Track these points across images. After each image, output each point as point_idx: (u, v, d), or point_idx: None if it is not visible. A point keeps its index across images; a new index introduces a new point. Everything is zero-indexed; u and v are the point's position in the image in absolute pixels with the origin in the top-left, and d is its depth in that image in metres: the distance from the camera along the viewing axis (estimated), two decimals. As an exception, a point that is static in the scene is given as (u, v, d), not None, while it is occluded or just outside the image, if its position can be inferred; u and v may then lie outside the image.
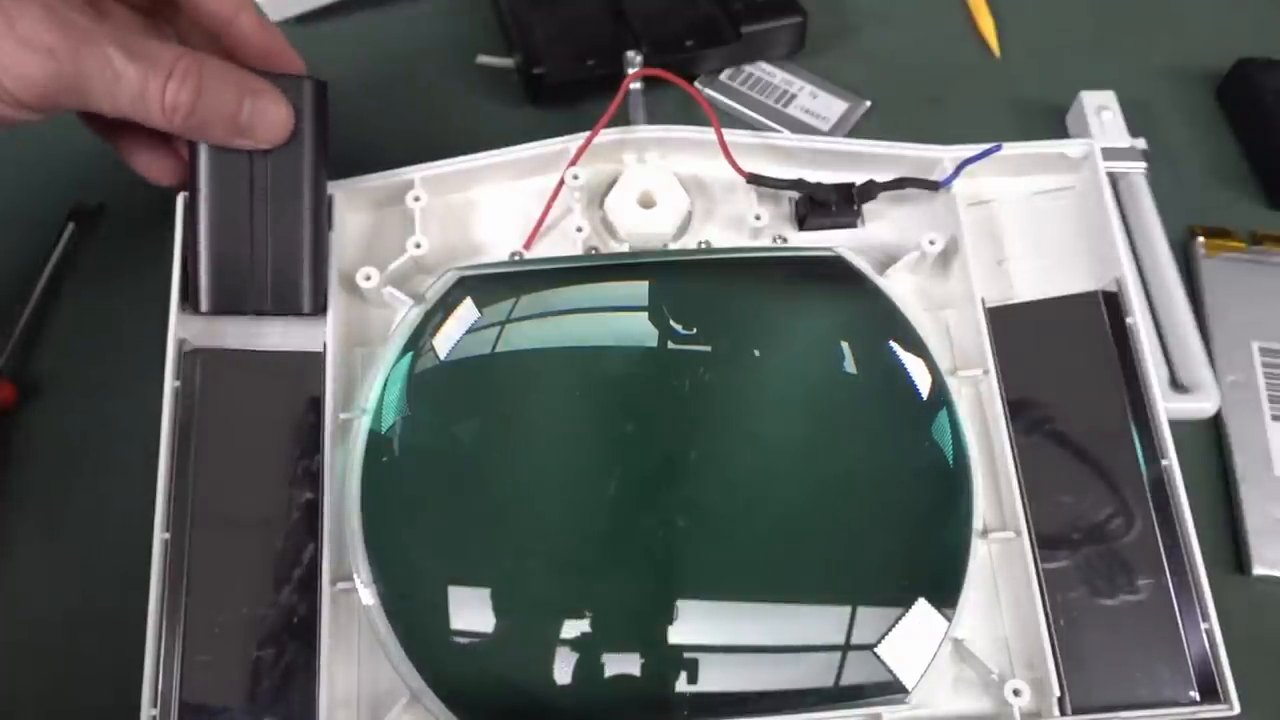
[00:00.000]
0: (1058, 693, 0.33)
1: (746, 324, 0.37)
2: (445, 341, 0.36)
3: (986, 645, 0.35)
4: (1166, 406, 0.37)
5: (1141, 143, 0.48)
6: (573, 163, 0.40)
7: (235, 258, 0.36)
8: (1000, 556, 0.36)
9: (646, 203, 0.40)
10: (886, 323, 0.37)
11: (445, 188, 0.41)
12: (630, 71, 0.46)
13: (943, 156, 0.40)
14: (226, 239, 0.36)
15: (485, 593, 0.33)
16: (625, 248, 0.40)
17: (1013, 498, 0.36)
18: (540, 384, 0.36)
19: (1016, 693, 0.33)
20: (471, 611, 0.33)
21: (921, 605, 0.34)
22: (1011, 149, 0.40)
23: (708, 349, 0.37)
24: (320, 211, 0.37)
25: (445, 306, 0.37)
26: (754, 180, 0.40)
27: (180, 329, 0.37)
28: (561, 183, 0.40)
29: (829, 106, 0.51)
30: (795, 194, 0.41)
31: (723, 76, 0.52)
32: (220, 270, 0.36)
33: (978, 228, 0.40)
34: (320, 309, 0.37)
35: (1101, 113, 0.48)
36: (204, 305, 0.36)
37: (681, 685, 0.33)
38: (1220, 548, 0.40)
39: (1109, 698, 0.34)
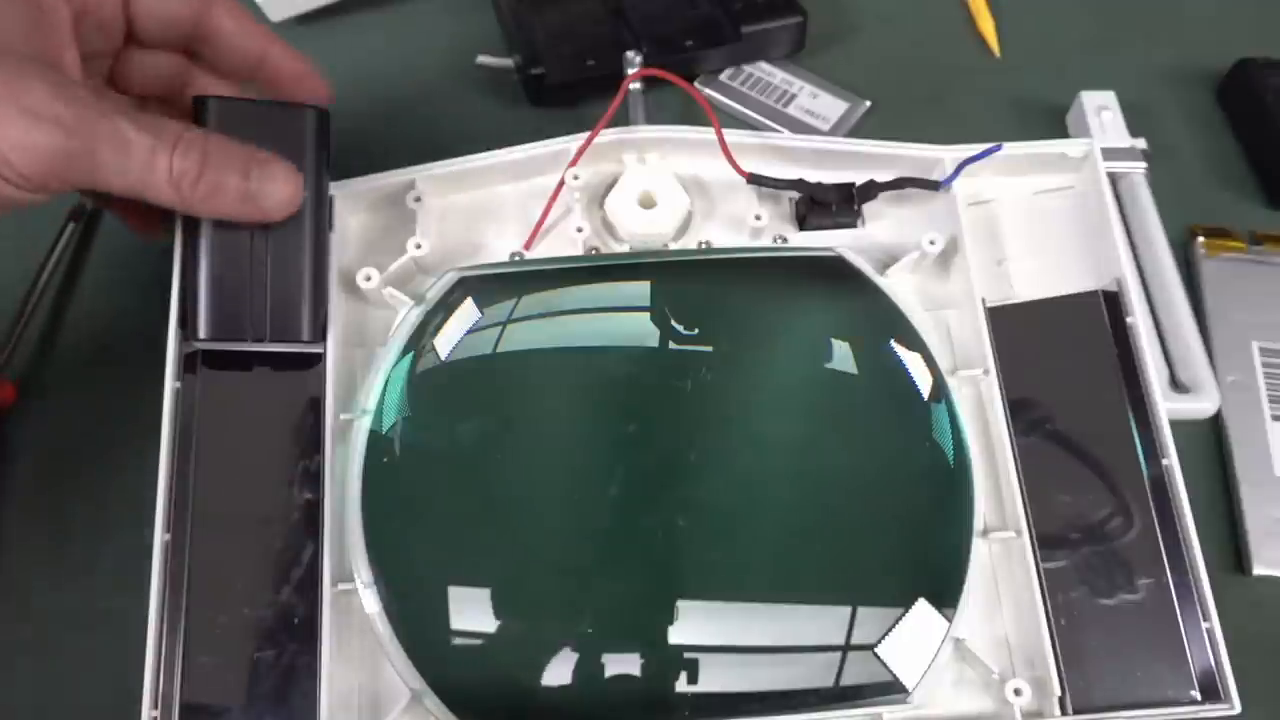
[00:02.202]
0: (1058, 692, 0.33)
1: (747, 324, 0.37)
2: (446, 342, 0.36)
3: (987, 645, 0.35)
4: (1166, 406, 0.37)
5: (1141, 143, 0.48)
6: (573, 163, 0.40)
7: (235, 287, 0.36)
8: (1001, 556, 0.36)
9: (647, 203, 0.40)
10: (887, 323, 0.37)
11: (445, 188, 0.41)
12: (630, 71, 0.46)
13: (943, 156, 0.40)
14: (226, 268, 0.36)
15: (486, 593, 0.33)
16: (626, 248, 0.40)
17: (1013, 497, 0.36)
18: (541, 385, 0.36)
19: (1017, 692, 0.33)
20: (472, 612, 0.33)
21: (922, 605, 0.34)
22: (1012, 149, 0.40)
23: (708, 349, 0.37)
24: (321, 241, 0.37)
25: (446, 307, 0.37)
26: (754, 180, 0.40)
27: (180, 328, 0.37)
28: (562, 183, 0.40)
29: (829, 106, 0.51)
30: (795, 194, 0.41)
31: (723, 76, 0.52)
32: (219, 300, 0.36)
33: (978, 228, 0.40)
34: (319, 336, 0.37)
35: (1101, 113, 0.48)
36: (202, 332, 0.36)
37: (682, 685, 0.33)
38: (1220, 548, 0.40)
39: (1110, 697, 0.34)
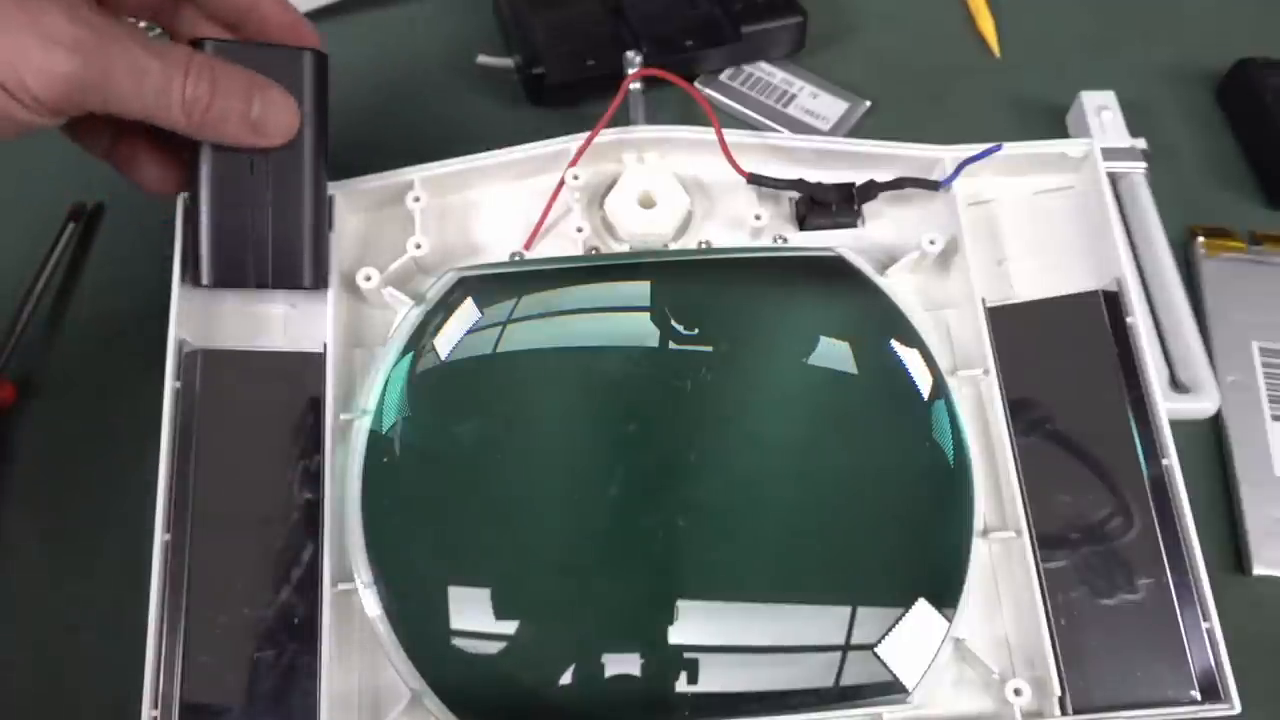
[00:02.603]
0: (1058, 692, 0.33)
1: (747, 324, 0.37)
2: (446, 342, 0.36)
3: (987, 645, 0.35)
4: (1166, 406, 0.37)
5: (1141, 143, 0.48)
6: (573, 163, 0.40)
7: (237, 231, 0.36)
8: (1001, 556, 0.36)
9: (646, 203, 0.40)
10: (887, 323, 0.37)
11: (445, 188, 0.41)
12: (630, 71, 0.46)
13: (943, 156, 0.40)
14: (228, 213, 0.36)
15: (486, 593, 0.33)
16: (625, 248, 0.40)
17: (1013, 497, 0.36)
18: (541, 384, 0.36)
19: (1017, 692, 0.33)
20: (473, 612, 0.33)
21: (922, 605, 0.34)
22: (1012, 149, 0.40)
23: (708, 349, 0.37)
24: (320, 185, 0.37)
25: (445, 307, 0.37)
26: (754, 180, 0.40)
27: (181, 329, 0.37)
28: (562, 183, 0.40)
29: (829, 106, 0.51)
30: (795, 194, 0.41)
31: (723, 76, 0.52)
32: (221, 244, 0.36)
33: (978, 227, 0.40)
34: (321, 283, 0.37)
35: (1101, 113, 0.48)
36: (205, 278, 0.36)
37: (682, 686, 0.33)
38: (1220, 548, 0.40)
39: (1110, 697, 0.34)
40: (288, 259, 0.37)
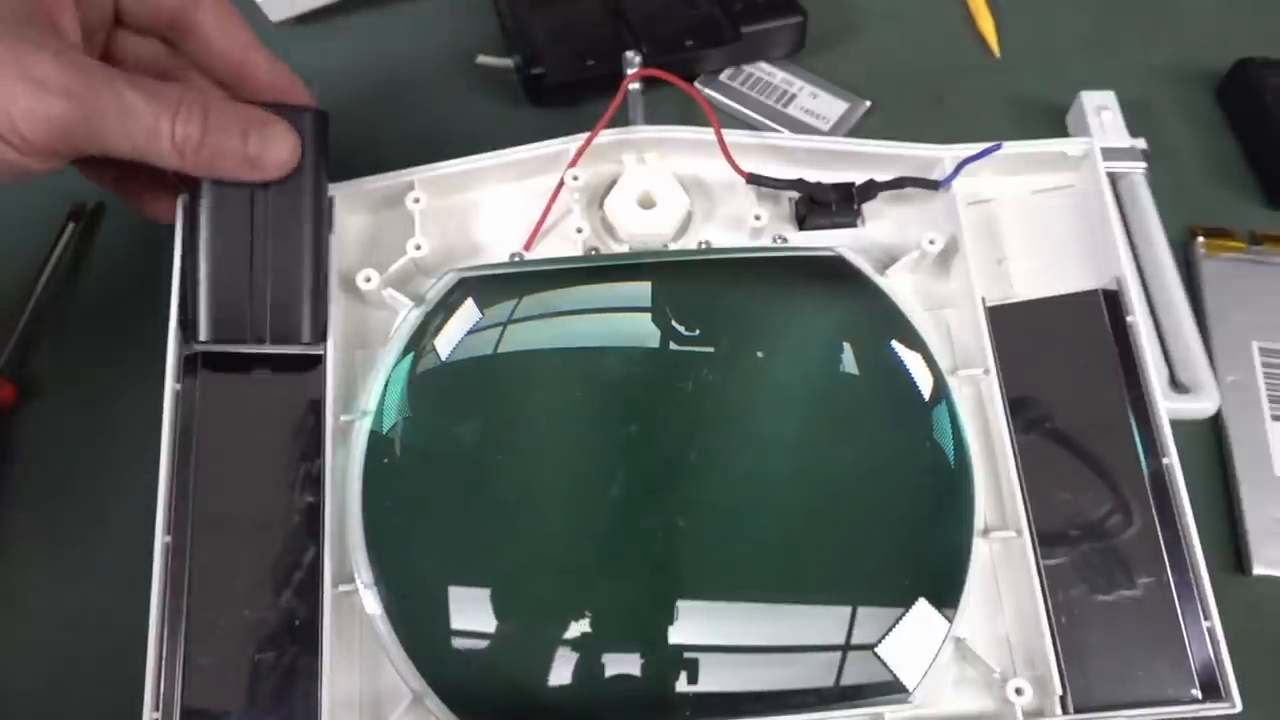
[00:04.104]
0: (1059, 691, 0.33)
1: (747, 324, 0.37)
2: (446, 343, 0.36)
3: (988, 644, 0.35)
4: (1167, 406, 0.37)
5: (1141, 143, 0.48)
6: (573, 163, 0.40)
7: (235, 289, 0.36)
8: (1001, 555, 0.36)
9: (646, 203, 0.40)
10: (887, 322, 0.37)
11: (445, 189, 0.41)
12: (630, 72, 0.46)
13: (943, 156, 0.40)
14: (226, 271, 0.36)
15: (487, 594, 0.33)
16: (625, 248, 0.40)
17: (1014, 496, 0.36)
18: (541, 385, 0.36)
19: (1018, 691, 0.33)
20: (474, 613, 0.33)
21: (923, 605, 0.34)
22: (1011, 148, 0.40)
23: (709, 349, 0.37)
24: (321, 242, 0.37)
25: (446, 308, 0.37)
26: (754, 180, 0.40)
27: (181, 329, 0.37)
28: (561, 183, 0.40)
29: (829, 106, 0.51)
30: (795, 194, 0.41)
31: (723, 76, 0.52)
32: (219, 303, 0.36)
33: (978, 227, 0.40)
34: (320, 338, 0.37)
35: (1101, 113, 0.48)
36: (203, 335, 0.36)
37: (683, 686, 0.33)
38: (1220, 548, 0.40)
39: (1111, 696, 0.34)
40: (286, 316, 0.36)
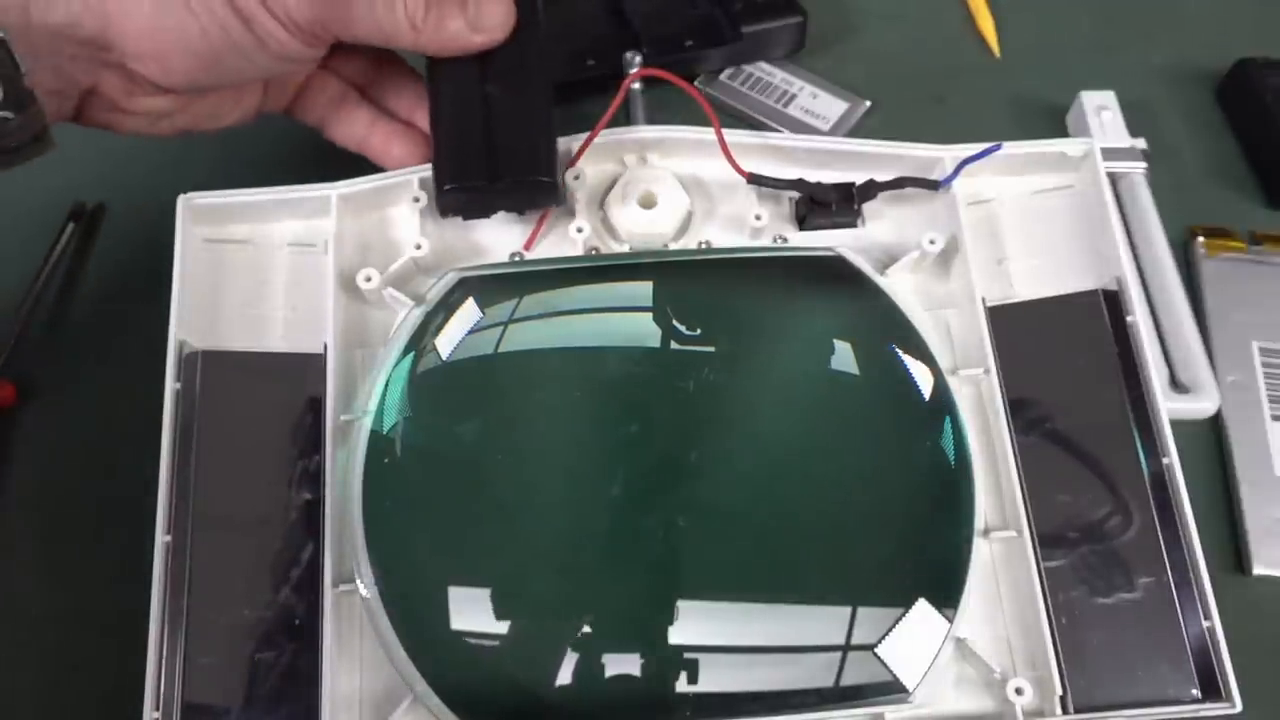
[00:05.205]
0: (1060, 691, 0.33)
1: (747, 324, 0.37)
2: (447, 342, 0.36)
3: (988, 644, 0.35)
4: (1167, 406, 0.37)
5: (1141, 143, 0.48)
6: (572, 163, 0.40)
7: (469, 138, 0.38)
8: (1001, 555, 0.36)
9: (647, 203, 0.40)
10: (887, 322, 0.37)
11: (446, 188, 0.41)
12: (630, 72, 0.46)
13: (943, 156, 0.40)
14: (461, 126, 0.38)
15: (487, 593, 0.33)
16: (626, 248, 0.40)
17: (1014, 496, 0.36)
18: (542, 385, 0.36)
19: (1019, 691, 0.33)
20: (475, 612, 0.33)
21: (923, 605, 0.34)
22: (1011, 148, 0.40)
23: (709, 349, 0.37)
24: (547, 87, 0.39)
25: (446, 307, 0.37)
26: (754, 180, 0.40)
27: (181, 330, 0.37)
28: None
29: (829, 106, 0.51)
30: (795, 194, 0.41)
31: (723, 76, 0.52)
32: (458, 150, 0.38)
33: (978, 227, 0.40)
34: (553, 172, 0.38)
35: (1101, 113, 0.48)
36: (447, 183, 0.38)
37: (683, 686, 0.33)
38: (1220, 548, 0.40)
39: (1111, 696, 0.34)
40: (522, 155, 0.38)
